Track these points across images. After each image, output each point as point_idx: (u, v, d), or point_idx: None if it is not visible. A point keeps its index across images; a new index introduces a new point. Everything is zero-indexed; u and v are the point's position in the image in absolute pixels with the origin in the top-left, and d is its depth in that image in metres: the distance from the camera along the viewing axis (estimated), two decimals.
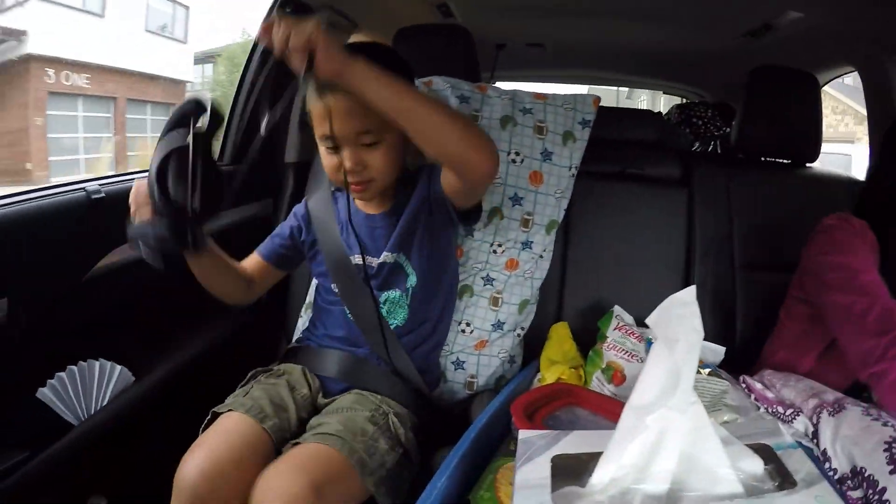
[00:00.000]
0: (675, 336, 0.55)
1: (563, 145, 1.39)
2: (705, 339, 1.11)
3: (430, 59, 1.14)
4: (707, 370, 1.02)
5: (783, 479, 0.57)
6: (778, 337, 1.29)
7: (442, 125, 0.92)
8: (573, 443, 0.63)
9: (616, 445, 0.54)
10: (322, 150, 1.12)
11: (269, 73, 1.64)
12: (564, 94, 1.47)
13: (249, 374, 1.17)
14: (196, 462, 0.90)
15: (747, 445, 0.59)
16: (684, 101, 3.25)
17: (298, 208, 1.31)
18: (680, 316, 0.56)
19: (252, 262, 1.24)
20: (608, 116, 1.50)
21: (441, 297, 1.27)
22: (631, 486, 0.52)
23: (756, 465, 0.57)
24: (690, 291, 0.59)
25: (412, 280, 1.20)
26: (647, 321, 0.58)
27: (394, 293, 1.20)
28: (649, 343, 1.16)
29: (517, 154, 1.37)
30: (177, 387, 1.23)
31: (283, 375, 1.15)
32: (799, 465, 0.59)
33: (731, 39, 2.20)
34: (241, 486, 0.89)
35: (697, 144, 2.49)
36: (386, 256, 1.19)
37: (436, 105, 0.92)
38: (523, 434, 0.68)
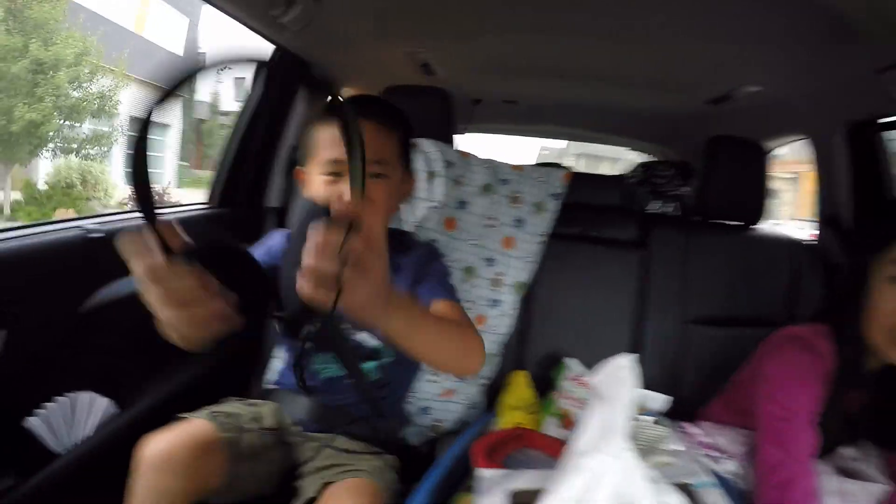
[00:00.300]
0: (613, 394, 0.66)
1: (534, 214, 1.54)
2: (654, 389, 1.23)
3: (412, 117, 1.24)
4: (652, 418, 1.13)
5: None
6: (723, 404, 1.36)
7: (447, 348, 0.88)
8: (528, 479, 0.73)
9: (558, 482, 0.65)
10: (319, 180, 1.07)
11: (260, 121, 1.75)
12: (540, 167, 1.62)
13: (220, 401, 1.19)
14: (156, 443, 0.96)
15: (672, 484, 0.70)
16: (651, 158, 3.39)
17: (279, 238, 1.21)
18: (618, 378, 0.68)
19: None
20: (576, 182, 1.62)
21: (412, 368, 1.31)
22: None
23: (677, 501, 0.68)
24: (630, 357, 0.71)
25: (387, 359, 1.20)
26: (591, 380, 0.69)
27: (367, 364, 1.20)
28: None
29: (494, 219, 1.50)
30: (153, 420, 1.28)
31: (252, 406, 1.18)
32: (713, 499, 0.70)
33: (694, 105, 2.33)
34: (189, 473, 0.95)
35: (661, 203, 2.62)
36: (365, 339, 1.19)
37: (445, 330, 0.89)
38: (482, 472, 0.78)
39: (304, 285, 0.58)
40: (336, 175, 1.06)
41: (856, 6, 1.15)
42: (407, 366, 1.26)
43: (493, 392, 1.48)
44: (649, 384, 1.39)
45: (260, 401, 1.22)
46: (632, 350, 1.53)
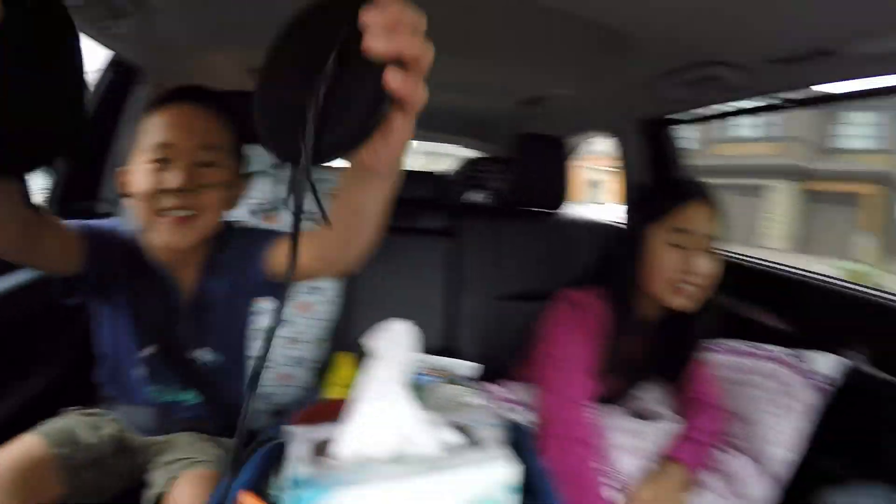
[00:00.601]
0: (388, 352, 0.78)
1: None
2: (472, 359, 1.37)
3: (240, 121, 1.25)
4: (459, 383, 1.27)
5: (473, 443, 0.81)
6: (526, 365, 1.50)
7: (379, 221, 0.81)
8: (330, 432, 0.83)
9: (345, 427, 0.76)
10: (144, 169, 0.97)
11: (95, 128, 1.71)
12: None
13: (59, 412, 1.16)
14: None
15: (452, 424, 0.83)
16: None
17: (114, 223, 1.12)
18: (393, 339, 0.79)
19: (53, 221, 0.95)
20: None
21: (243, 365, 1.24)
22: (360, 453, 0.74)
23: (452, 436, 0.81)
24: (404, 323, 0.82)
25: (219, 361, 1.17)
26: (369, 341, 0.81)
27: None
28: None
29: (313, 213, 1.56)
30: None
31: (90, 416, 1.15)
32: (487, 434, 0.83)
33: (511, 106, 2.53)
34: (21, 492, 0.94)
35: (484, 194, 2.83)
36: (201, 355, 1.15)
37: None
38: (288, 428, 0.88)
39: (394, 77, 0.50)
40: (163, 161, 0.97)
41: (625, 22, 1.32)
42: (239, 363, 1.23)
43: (325, 373, 1.54)
44: (467, 354, 1.54)
45: (99, 410, 1.20)
46: (450, 326, 1.70)
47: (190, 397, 1.17)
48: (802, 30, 1.16)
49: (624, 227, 1.39)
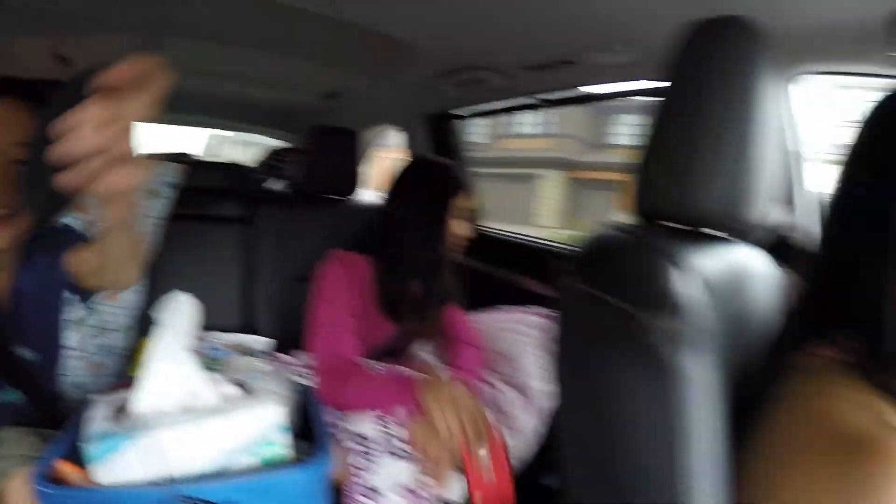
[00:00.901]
0: (174, 321, 0.90)
1: (148, 199, 1.66)
2: (269, 335, 1.48)
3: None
4: (252, 355, 1.38)
5: (249, 394, 0.95)
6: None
7: (130, 258, 0.89)
8: (126, 395, 0.92)
9: (139, 387, 0.86)
10: None
11: None
12: (162, 160, 1.76)
13: None
14: None
15: (231, 380, 0.96)
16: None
17: None
18: (174, 309, 0.91)
19: None
20: (195, 169, 1.79)
21: (56, 358, 1.24)
22: (151, 408, 0.85)
23: (230, 390, 0.95)
24: (185, 296, 0.94)
25: (37, 362, 1.15)
26: (155, 312, 0.91)
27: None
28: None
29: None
30: None
31: None
32: (261, 386, 0.98)
33: (311, 99, 2.64)
34: None
35: (284, 183, 2.89)
36: (22, 354, 1.13)
37: (133, 237, 0.86)
38: (92, 397, 0.96)
39: (111, 175, 0.46)
40: None
41: (401, 31, 1.49)
42: (55, 358, 1.24)
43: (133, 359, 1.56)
44: (264, 332, 1.66)
45: None
46: (247, 306, 1.83)
47: (13, 397, 1.14)
48: (547, 43, 1.41)
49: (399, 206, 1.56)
